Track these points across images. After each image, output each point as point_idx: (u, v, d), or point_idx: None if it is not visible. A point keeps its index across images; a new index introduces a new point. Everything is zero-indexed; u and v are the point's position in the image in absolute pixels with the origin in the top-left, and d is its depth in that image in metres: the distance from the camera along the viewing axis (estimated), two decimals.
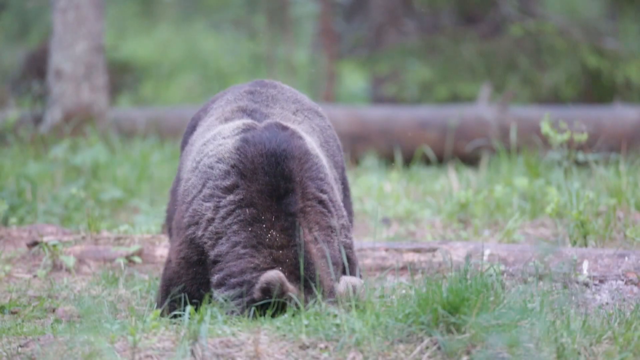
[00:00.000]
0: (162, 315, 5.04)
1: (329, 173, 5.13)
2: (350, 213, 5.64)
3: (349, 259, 5.04)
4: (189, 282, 4.99)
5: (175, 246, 5.06)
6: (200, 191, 4.99)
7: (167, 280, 5.06)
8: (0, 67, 18.69)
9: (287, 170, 4.90)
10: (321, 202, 4.95)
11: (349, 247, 5.06)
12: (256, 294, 4.70)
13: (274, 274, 4.67)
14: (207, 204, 4.93)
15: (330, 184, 5.06)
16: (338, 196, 5.12)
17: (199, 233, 4.94)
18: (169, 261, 5.10)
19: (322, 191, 4.97)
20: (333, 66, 18.25)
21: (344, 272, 4.99)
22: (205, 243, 4.92)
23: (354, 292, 4.68)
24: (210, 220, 4.91)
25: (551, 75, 16.33)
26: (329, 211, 4.96)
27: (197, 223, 4.95)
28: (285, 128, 5.06)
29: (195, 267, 4.96)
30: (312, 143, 5.18)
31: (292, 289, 4.71)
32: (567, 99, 16.20)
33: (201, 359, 4.34)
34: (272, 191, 4.88)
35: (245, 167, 4.93)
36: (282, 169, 4.90)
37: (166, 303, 5.08)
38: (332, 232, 4.94)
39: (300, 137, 5.07)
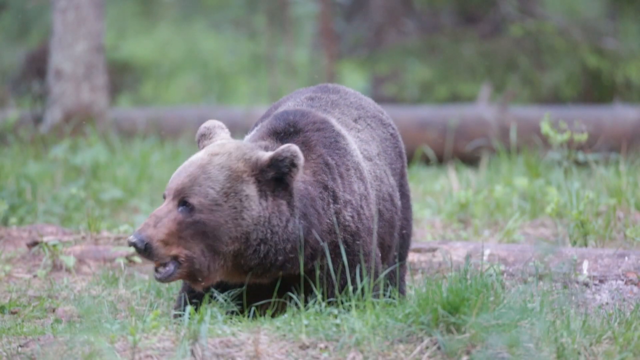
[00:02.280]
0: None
1: (360, 161, 5.12)
2: (407, 219, 5.59)
3: (350, 247, 4.98)
4: None
5: None
6: None
7: None
8: (0, 67, 18.69)
9: (293, 119, 5.02)
10: (327, 164, 4.96)
11: (350, 233, 4.96)
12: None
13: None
14: None
15: (353, 164, 5.04)
16: (359, 185, 5.06)
17: None
18: None
19: (332, 157, 4.98)
20: (333, 66, 18.25)
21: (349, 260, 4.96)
22: None
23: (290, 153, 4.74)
24: None
25: (551, 75, 16.33)
26: (333, 176, 4.96)
27: None
28: (312, 111, 5.16)
29: None
30: (339, 126, 5.17)
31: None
32: (567, 99, 16.21)
33: (201, 359, 4.34)
34: (273, 129, 5.02)
35: (261, 123, 5.14)
36: (287, 117, 5.04)
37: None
38: (326, 191, 4.94)
39: (325, 116, 5.13)
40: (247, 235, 4.71)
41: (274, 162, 4.73)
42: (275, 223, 4.75)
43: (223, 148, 4.82)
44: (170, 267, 4.68)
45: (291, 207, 4.78)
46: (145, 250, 4.62)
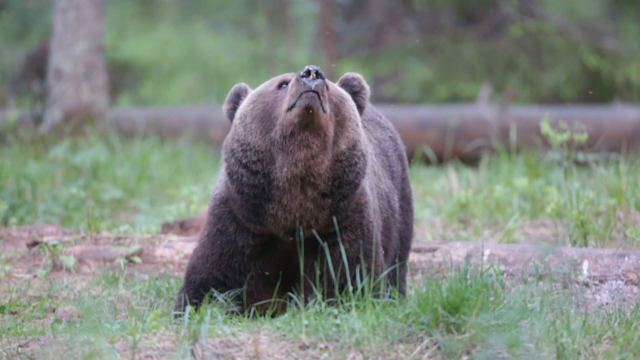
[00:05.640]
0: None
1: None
2: (406, 223, 5.59)
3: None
4: None
5: None
6: None
7: None
8: (0, 67, 18.70)
9: None
10: None
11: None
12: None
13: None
14: None
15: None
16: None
17: None
18: None
19: None
20: (333, 66, 18.25)
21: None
22: None
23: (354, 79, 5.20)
24: None
25: (551, 75, 16.34)
26: None
27: None
28: None
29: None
30: None
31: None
32: (567, 99, 16.21)
33: (201, 359, 4.34)
34: None
35: None
36: None
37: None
38: None
39: None
40: (355, 142, 4.87)
41: (345, 83, 5.26)
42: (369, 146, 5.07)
43: None
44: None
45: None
46: (319, 73, 4.91)
